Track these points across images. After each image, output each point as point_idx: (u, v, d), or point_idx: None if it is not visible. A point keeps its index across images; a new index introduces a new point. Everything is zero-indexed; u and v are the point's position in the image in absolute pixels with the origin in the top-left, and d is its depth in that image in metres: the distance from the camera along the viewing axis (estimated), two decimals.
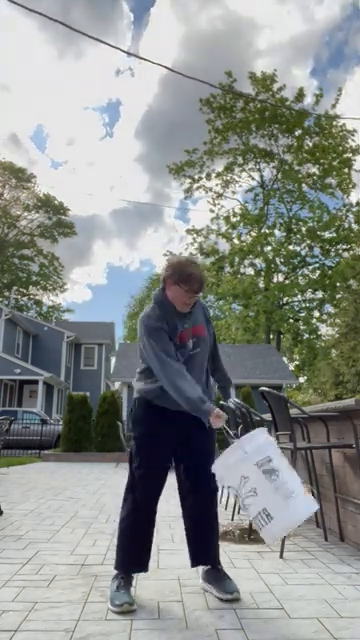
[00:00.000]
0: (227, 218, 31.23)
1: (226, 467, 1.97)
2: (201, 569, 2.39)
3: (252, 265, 31.62)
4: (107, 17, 53.19)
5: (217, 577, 2.29)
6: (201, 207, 77.95)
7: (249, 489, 1.89)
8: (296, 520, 1.93)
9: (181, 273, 2.19)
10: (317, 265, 31.14)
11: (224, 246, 31.79)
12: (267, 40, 50.17)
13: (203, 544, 2.36)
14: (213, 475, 2.33)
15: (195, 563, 2.37)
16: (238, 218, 31.24)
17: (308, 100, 37.62)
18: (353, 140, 30.83)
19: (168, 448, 2.34)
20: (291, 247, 31.03)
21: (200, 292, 2.26)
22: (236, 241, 30.93)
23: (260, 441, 1.98)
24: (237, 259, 30.58)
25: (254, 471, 1.87)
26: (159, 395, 2.27)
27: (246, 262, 31.31)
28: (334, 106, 30.70)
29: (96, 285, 79.30)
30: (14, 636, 1.81)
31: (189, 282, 2.18)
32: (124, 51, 9.24)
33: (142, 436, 2.33)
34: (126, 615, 2.02)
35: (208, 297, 32.89)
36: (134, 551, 2.29)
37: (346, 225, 30.18)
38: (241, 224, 31.16)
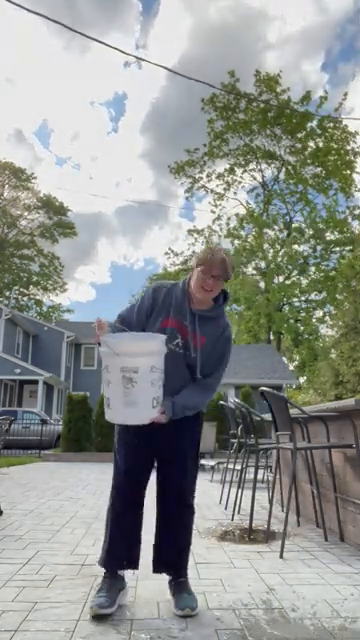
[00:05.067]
0: (240, 218, 31.08)
1: (103, 347, 2.08)
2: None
3: (256, 268, 31.62)
4: (115, 7, 52.80)
5: (176, 590, 2.14)
6: (206, 206, 77.87)
7: (107, 378, 2.08)
8: (126, 421, 2.11)
9: (201, 257, 2.19)
10: (320, 266, 31.16)
11: (227, 246, 31.79)
12: (278, 32, 49.88)
13: (165, 552, 2.22)
14: (187, 486, 2.23)
15: (155, 569, 2.24)
16: (242, 218, 31.22)
17: (316, 97, 37.25)
18: (354, 142, 30.83)
19: (147, 439, 2.17)
20: (294, 247, 31.03)
21: (220, 276, 2.14)
22: (238, 241, 30.95)
23: (140, 349, 2.04)
24: (243, 259, 30.56)
25: (116, 372, 2.02)
26: None
27: (248, 263, 31.31)
28: (337, 109, 30.73)
29: (100, 284, 79.08)
30: (14, 636, 1.81)
31: (205, 263, 2.14)
32: (122, 51, 9.21)
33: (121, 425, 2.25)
34: (121, 616, 2.02)
35: None
36: (114, 545, 2.18)
37: (352, 228, 30.22)
38: (245, 224, 31.17)
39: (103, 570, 2.21)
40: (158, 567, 2.24)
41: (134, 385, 2.00)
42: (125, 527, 2.20)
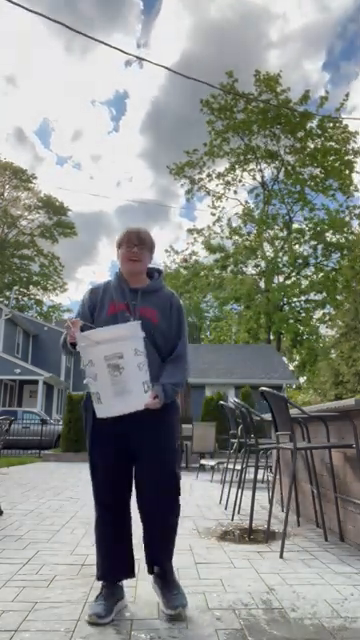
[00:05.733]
0: (243, 215, 30.98)
1: (82, 342, 2.07)
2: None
3: (256, 266, 31.60)
4: (116, 7, 52.70)
5: (164, 586, 2.12)
6: (207, 206, 77.90)
7: (92, 373, 2.05)
8: (120, 412, 2.03)
9: (117, 239, 2.37)
10: (319, 265, 31.15)
11: (227, 246, 31.81)
12: (279, 31, 49.81)
13: (148, 545, 2.18)
14: (165, 480, 2.14)
15: (149, 570, 2.19)
16: (245, 214, 31.19)
17: (317, 96, 37.19)
18: (355, 142, 30.79)
19: (117, 438, 2.14)
20: (295, 247, 31.00)
21: (140, 244, 2.28)
22: (239, 239, 30.94)
23: (119, 334, 2.03)
24: (244, 257, 30.52)
25: (100, 362, 2.00)
26: None
27: (249, 262, 31.30)
28: (338, 110, 30.69)
29: None
30: (14, 636, 1.81)
31: (124, 237, 2.32)
32: (123, 51, 9.25)
33: (90, 426, 2.22)
34: (121, 616, 2.02)
35: (208, 297, 32.94)
36: (106, 560, 2.16)
37: (352, 228, 30.19)
38: (246, 223, 31.16)
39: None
40: (151, 566, 2.19)
41: (122, 372, 1.97)
42: (115, 540, 2.17)
